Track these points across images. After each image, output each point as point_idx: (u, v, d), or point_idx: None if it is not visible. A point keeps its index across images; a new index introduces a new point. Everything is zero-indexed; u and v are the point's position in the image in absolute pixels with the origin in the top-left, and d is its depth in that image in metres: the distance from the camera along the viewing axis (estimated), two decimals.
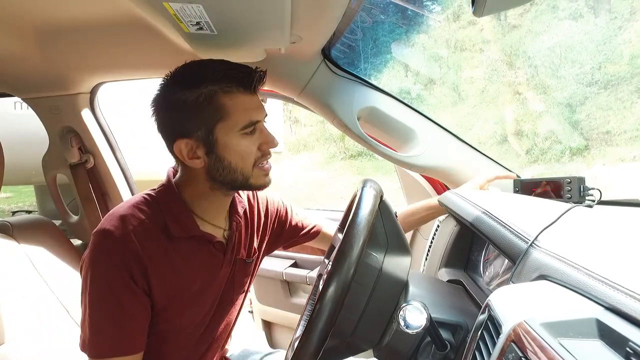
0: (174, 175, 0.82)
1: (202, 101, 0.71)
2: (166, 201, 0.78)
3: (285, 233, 1.01)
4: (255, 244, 0.92)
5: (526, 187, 1.02)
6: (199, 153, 0.74)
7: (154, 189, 0.80)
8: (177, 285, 0.77)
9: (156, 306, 0.76)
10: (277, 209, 0.99)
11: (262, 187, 0.80)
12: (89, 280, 0.71)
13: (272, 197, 0.99)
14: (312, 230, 1.04)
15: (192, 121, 0.72)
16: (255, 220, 0.93)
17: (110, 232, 0.71)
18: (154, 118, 0.77)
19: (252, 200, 0.94)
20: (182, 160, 0.75)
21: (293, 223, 1.02)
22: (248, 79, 0.73)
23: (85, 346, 0.72)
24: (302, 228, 1.03)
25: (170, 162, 0.82)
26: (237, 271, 0.87)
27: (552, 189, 0.96)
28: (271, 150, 0.80)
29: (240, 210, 0.88)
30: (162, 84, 0.75)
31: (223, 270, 0.84)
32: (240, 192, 0.91)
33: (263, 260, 0.99)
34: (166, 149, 0.78)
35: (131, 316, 0.72)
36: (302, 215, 1.04)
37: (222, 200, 0.82)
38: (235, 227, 0.86)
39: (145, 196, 0.78)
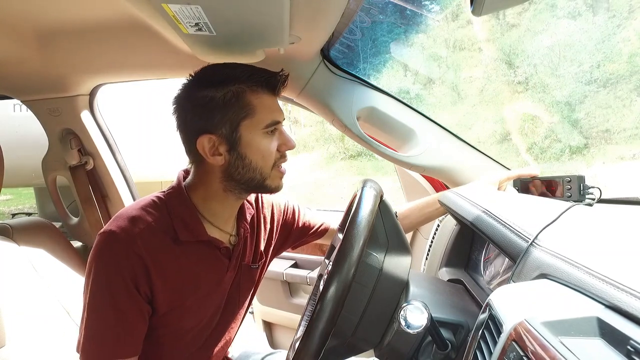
0: (184, 179, 0.82)
1: (229, 98, 0.73)
2: (175, 204, 0.77)
3: (293, 234, 1.02)
4: (262, 248, 0.92)
5: (526, 186, 1.02)
6: (221, 150, 0.75)
7: (164, 191, 0.80)
8: (182, 289, 0.76)
9: (158, 311, 0.75)
10: (284, 212, 1.00)
11: (276, 189, 0.81)
12: (90, 281, 0.71)
13: (279, 200, 1.00)
14: (320, 229, 1.05)
15: (217, 117, 0.73)
16: (262, 225, 0.93)
17: (115, 233, 0.71)
18: (175, 116, 0.78)
19: (259, 205, 0.94)
20: (203, 157, 0.76)
21: (300, 224, 1.02)
22: (273, 80, 0.76)
23: (79, 347, 0.72)
24: (310, 227, 1.04)
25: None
26: (242, 276, 0.87)
27: (552, 187, 0.96)
28: None
29: (248, 217, 0.88)
30: (185, 83, 0.77)
31: (228, 275, 0.84)
32: (249, 197, 0.91)
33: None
34: (183, 147, 0.79)
35: (127, 321, 0.71)
36: (309, 215, 1.05)
37: (233, 204, 0.83)
38: (242, 233, 0.86)
39: (155, 199, 0.78)
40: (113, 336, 0.71)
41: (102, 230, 0.73)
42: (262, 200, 0.95)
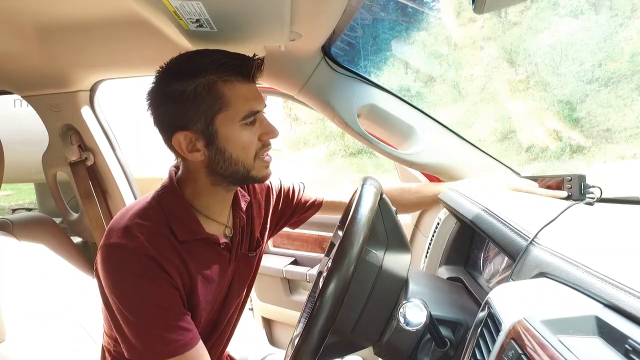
0: (176, 174, 0.80)
1: (200, 91, 0.68)
2: (169, 204, 0.76)
3: (288, 212, 1.02)
4: (257, 235, 0.91)
5: None
6: (198, 146, 0.72)
7: (157, 191, 0.78)
8: (193, 288, 0.75)
9: None
10: (278, 194, 0.99)
11: (263, 179, 0.78)
12: (118, 293, 0.69)
13: (273, 182, 0.99)
14: (316, 202, 1.05)
15: (190, 112, 0.69)
16: (256, 212, 0.92)
17: (122, 244, 0.69)
18: (149, 112, 0.74)
19: (251, 192, 0.93)
20: (181, 155, 0.74)
21: (296, 201, 1.02)
22: (247, 67, 0.71)
23: (142, 356, 0.69)
24: (306, 202, 1.04)
25: (169, 159, 0.81)
26: (240, 265, 0.87)
27: (552, 186, 0.96)
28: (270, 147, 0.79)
29: (244, 206, 0.87)
30: (157, 76, 0.73)
31: (230, 268, 0.84)
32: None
33: (263, 258, 0.98)
34: (164, 144, 0.76)
35: (172, 310, 0.70)
36: (305, 191, 1.05)
37: (224, 196, 0.81)
38: (238, 223, 0.85)
39: (149, 200, 0.77)
40: (169, 331, 0.69)
41: (106, 242, 0.71)
42: (255, 185, 0.94)
